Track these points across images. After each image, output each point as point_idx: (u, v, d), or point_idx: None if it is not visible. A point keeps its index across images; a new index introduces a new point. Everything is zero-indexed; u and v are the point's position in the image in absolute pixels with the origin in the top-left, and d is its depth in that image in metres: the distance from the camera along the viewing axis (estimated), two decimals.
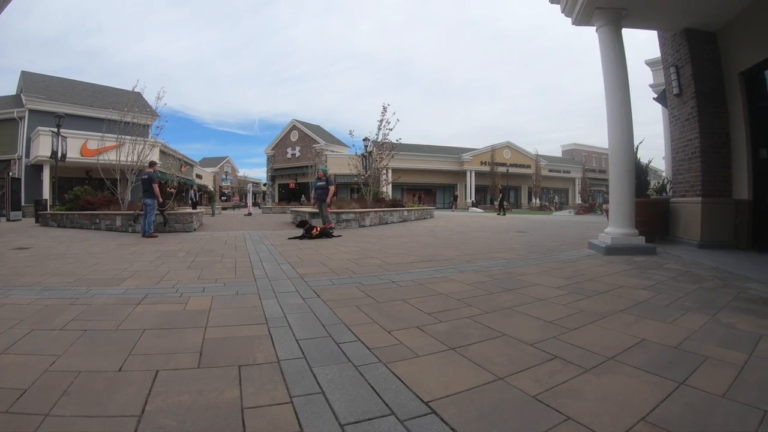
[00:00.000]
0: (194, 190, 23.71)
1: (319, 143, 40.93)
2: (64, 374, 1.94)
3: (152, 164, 10.65)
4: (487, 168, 43.89)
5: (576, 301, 3.30)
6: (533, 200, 46.46)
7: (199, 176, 45.41)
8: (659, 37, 7.68)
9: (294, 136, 43.81)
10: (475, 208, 36.68)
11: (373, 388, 1.80)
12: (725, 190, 6.55)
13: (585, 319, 2.83)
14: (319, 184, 10.34)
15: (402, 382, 1.86)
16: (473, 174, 43.88)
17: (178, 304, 3.29)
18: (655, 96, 9.59)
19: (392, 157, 17.14)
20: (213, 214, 22.90)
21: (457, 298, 3.43)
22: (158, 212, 10.57)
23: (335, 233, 9.46)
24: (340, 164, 27.47)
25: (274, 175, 45.65)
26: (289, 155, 43.79)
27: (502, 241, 8.32)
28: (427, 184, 43.62)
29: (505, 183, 43.94)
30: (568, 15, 6.76)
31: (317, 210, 10.85)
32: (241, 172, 71.02)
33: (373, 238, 8.89)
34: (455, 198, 42.44)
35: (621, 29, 6.34)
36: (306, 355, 2.20)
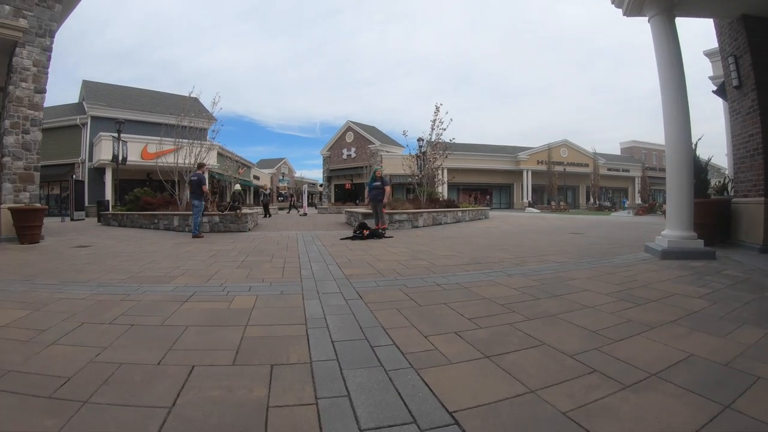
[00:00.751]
0: (265, 191, 24.04)
1: (373, 144, 40.89)
2: (107, 365, 2.07)
3: (200, 166, 10.79)
4: (543, 167, 42.38)
5: (624, 310, 3.11)
6: (591, 200, 44.38)
7: (256, 177, 46.93)
8: (715, 25, 7.13)
9: (349, 138, 44.15)
10: (531, 209, 35.62)
11: (399, 395, 1.77)
12: None
13: (632, 329, 2.65)
14: (374, 184, 10.36)
15: (430, 389, 1.82)
16: (530, 173, 42.57)
17: (224, 302, 3.41)
18: (715, 89, 8.89)
19: (446, 157, 16.89)
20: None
21: (501, 303, 3.31)
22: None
23: (387, 234, 9.48)
24: (394, 165, 27.40)
25: (330, 176, 46.21)
26: (344, 156, 44.18)
27: (555, 243, 8.00)
28: (483, 183, 42.76)
29: (562, 182, 42.25)
30: (618, 6, 6.42)
31: (371, 210, 10.92)
32: (299, 173, 72.04)
33: (424, 239, 8.80)
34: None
35: (674, 18, 5.92)
36: (339, 357, 2.20)
